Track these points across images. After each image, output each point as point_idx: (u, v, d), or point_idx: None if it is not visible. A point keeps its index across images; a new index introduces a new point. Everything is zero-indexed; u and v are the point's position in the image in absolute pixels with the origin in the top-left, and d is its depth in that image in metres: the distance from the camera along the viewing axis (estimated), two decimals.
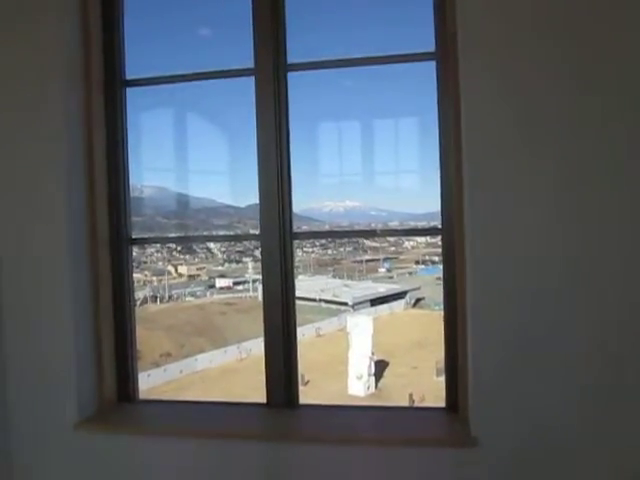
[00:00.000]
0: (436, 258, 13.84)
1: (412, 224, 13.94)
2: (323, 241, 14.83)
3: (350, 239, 15.45)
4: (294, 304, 2.11)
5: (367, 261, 15.35)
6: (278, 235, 2.06)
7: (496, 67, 1.76)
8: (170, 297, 14.78)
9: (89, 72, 2.11)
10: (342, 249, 15.57)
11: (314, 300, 13.59)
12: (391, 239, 15.11)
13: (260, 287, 2.18)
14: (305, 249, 14.99)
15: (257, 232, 2.10)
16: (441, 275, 1.98)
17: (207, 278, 15.36)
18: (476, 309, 1.80)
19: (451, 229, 1.92)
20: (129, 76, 2.20)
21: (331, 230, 11.84)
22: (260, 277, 2.17)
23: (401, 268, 15.60)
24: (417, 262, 15.11)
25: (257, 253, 14.16)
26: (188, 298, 14.93)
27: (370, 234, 3.88)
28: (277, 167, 2.07)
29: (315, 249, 15.08)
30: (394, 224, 12.72)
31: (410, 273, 15.35)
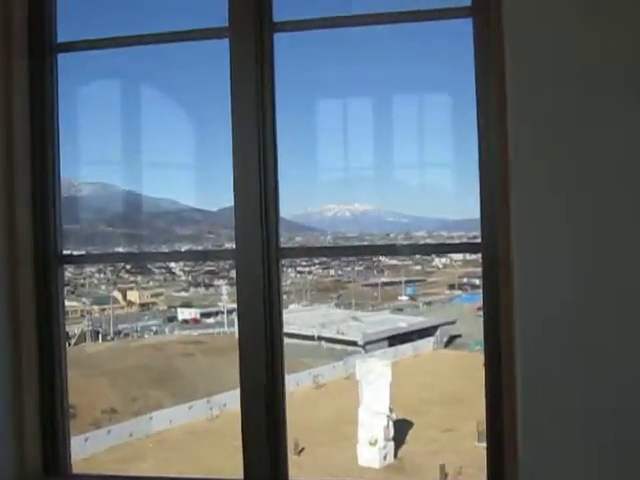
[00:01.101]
0: (477, 281, 13.87)
1: (444, 235, 13.89)
2: (324, 258, 14.86)
3: (360, 256, 15.46)
4: (282, 344, 2.11)
5: (384, 285, 15.32)
6: (260, 250, 2.07)
7: (555, 24, 1.78)
8: (116, 333, 14.74)
9: (7, 33, 2.12)
10: (349, 268, 15.56)
11: (311, 338, 13.55)
12: (416, 255, 15.12)
13: (237, 320, 2.17)
14: (299, 268, 15.01)
15: (233, 246, 2.10)
16: (482, 304, 1.97)
17: (166, 308, 15.36)
18: (528, 352, 1.80)
19: (494, 243, 1.92)
20: (61, 39, 2.22)
21: (334, 245, 11.89)
22: (236, 307, 2.17)
23: (430, 294, 15.56)
24: (452, 286, 15.08)
25: (233, 274, 14.00)
26: (144, 335, 14.90)
27: (387, 250, 3.85)
28: (259, 159, 2.08)
29: (313, 268, 15.07)
30: (420, 235, 12.86)
31: (442, 301, 15.34)
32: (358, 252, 3.61)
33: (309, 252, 4.34)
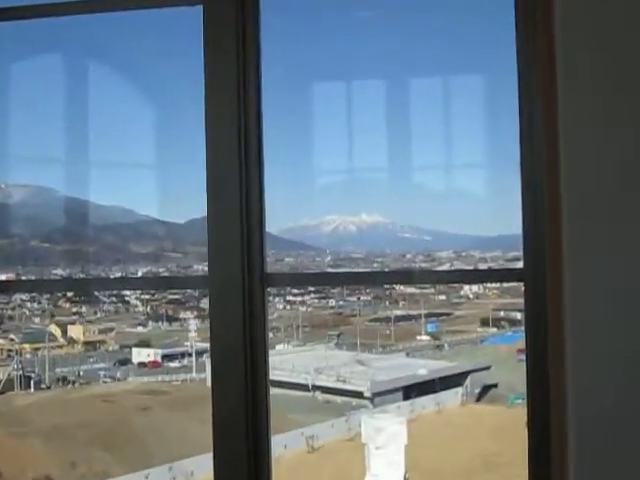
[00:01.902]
0: (518, 315, 13.84)
1: (476, 255, 13.90)
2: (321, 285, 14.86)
3: (368, 284, 15.48)
4: (268, 395, 2.12)
5: (398, 320, 15.27)
6: (240, 276, 2.08)
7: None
8: (54, 380, 14.67)
9: None
10: (354, 298, 15.49)
11: (304, 388, 13.50)
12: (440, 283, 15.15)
13: (209, 364, 2.18)
14: (289, 297, 14.96)
15: (204, 269, 2.11)
16: (524, 347, 1.99)
17: (118, 347, 15.32)
18: (584, 410, 1.80)
19: (540, 268, 1.93)
20: None
21: (334, 272, 11.84)
22: (209, 347, 2.17)
23: (457, 332, 15.51)
24: (485, 322, 15.03)
25: (204, 305, 14.21)
26: (89, 382, 14.82)
27: (403, 277, 3.81)
28: (240, 157, 2.10)
29: (307, 297, 15.02)
30: (445, 256, 12.81)
31: (473, 341, 15.29)
32: (365, 280, 3.57)
33: (302, 280, 4.31)
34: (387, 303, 15.32)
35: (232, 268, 2.07)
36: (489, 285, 13.96)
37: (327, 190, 13.73)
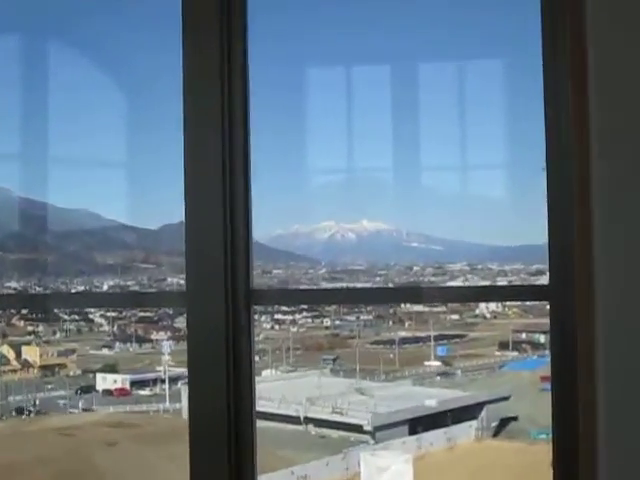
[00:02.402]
0: (542, 338, 13.82)
1: (493, 268, 13.88)
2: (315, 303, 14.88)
3: (370, 303, 15.50)
4: (254, 428, 2.14)
5: (404, 342, 15.24)
6: (223, 291, 2.09)
7: None
8: (5, 409, 14.61)
9: None
10: (352, 317, 15.45)
11: (295, 420, 13.45)
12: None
13: (185, 393, 2.16)
14: (278, 316, 14.90)
15: (181, 282, 2.17)
16: (549, 374, 2.01)
17: (80, 372, 15.27)
18: (617, 448, 1.80)
19: (568, 286, 1.95)
20: None
21: (329, 287, 11.78)
22: (186, 373, 2.18)
23: (472, 357, 15.48)
24: (504, 345, 15.02)
25: (180, 324, 14.15)
26: (47, 412, 14.72)
27: (409, 294, 3.81)
28: (223, 154, 2.12)
29: (298, 316, 14.99)
30: (458, 268, 12.76)
31: (490, 367, 15.27)
32: (366, 297, 3.53)
33: (293, 297, 4.27)
34: (391, 323, 15.29)
35: (213, 282, 2.07)
36: (509, 303, 13.95)
37: (322, 193, 13.64)
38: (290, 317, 14.61)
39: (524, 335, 14.85)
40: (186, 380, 2.17)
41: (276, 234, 13.12)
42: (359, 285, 12.81)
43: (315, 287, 12.32)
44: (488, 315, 15.13)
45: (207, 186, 2.12)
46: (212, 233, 2.11)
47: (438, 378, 15.05)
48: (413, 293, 4.93)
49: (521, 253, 11.22)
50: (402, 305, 14.24)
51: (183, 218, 2.13)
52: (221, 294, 2.10)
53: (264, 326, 13.94)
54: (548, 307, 2.00)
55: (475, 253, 12.61)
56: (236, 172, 2.13)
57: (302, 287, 12.20)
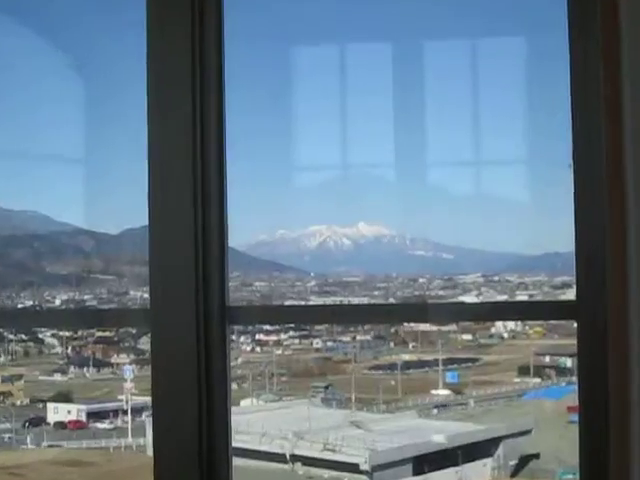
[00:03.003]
0: (569, 362, 13.84)
1: (513, 280, 13.93)
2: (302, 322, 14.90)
3: (367, 322, 15.53)
4: (230, 468, 2.16)
5: (407, 367, 15.23)
6: (194, 309, 2.10)
7: None
8: None
9: None
10: (347, 337, 15.44)
11: (280, 458, 13.41)
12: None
13: (150, 426, 2.17)
14: (259, 336, 14.89)
15: (145, 296, 2.10)
16: (577, 404, 2.03)
17: (28, 402, 15.22)
18: None
19: (598, 302, 1.96)
20: None
21: (319, 304, 11.71)
22: (149, 402, 2.21)
23: (486, 384, 15.48)
24: (524, 370, 15.02)
25: (145, 345, 14.02)
26: None
27: (413, 311, 3.80)
28: (194, 148, 2.13)
29: (283, 336, 14.96)
30: (470, 280, 12.74)
31: (508, 396, 15.27)
32: (363, 315, 3.51)
33: (277, 314, 4.23)
34: (392, 345, 15.31)
35: (181, 297, 2.07)
36: (530, 322, 13.97)
37: (312, 191, 13.61)
38: (274, 338, 14.60)
39: (548, 359, 14.89)
40: (151, 411, 2.16)
41: (257, 240, 13.12)
42: (355, 300, 12.83)
43: (303, 302, 12.32)
44: (506, 335, 15.17)
45: (175, 184, 2.12)
46: (180, 239, 2.10)
47: (447, 409, 15.07)
48: (418, 310, 4.92)
49: (544, 263, 11.25)
50: (405, 324, 14.27)
51: (147, 221, 2.13)
52: (191, 311, 2.09)
53: (243, 348, 13.94)
54: (576, 325, 2.00)
55: (491, 263, 12.65)
56: (209, 168, 2.13)
57: (288, 303, 12.22)
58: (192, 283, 2.12)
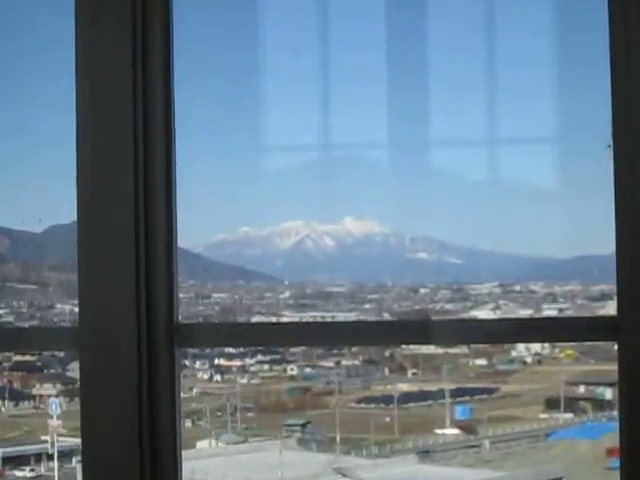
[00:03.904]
0: (607, 393, 13.86)
1: (537, 290, 14.03)
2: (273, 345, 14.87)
3: (354, 343, 15.53)
4: None
5: (405, 400, 15.24)
6: (135, 327, 2.09)
7: None
8: None
9: None
10: (331, 363, 15.42)
11: None
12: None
13: (80, 474, 2.17)
14: (220, 361, 14.86)
15: (74, 310, 2.13)
16: (618, 445, 2.01)
17: None
18: None
19: None
20: None
21: (294, 321, 11.62)
22: (80, 444, 2.19)
23: (505, 420, 15.50)
24: (552, 404, 15.05)
25: (74, 372, 13.92)
26: None
27: (413, 330, 3.80)
28: (134, 126, 2.14)
29: (251, 362, 14.95)
30: (486, 290, 12.73)
31: (531, 436, 15.30)
32: (350, 335, 3.47)
33: (240, 334, 4.18)
34: (387, 371, 15.37)
35: (119, 313, 2.07)
36: (560, 343, 13.99)
37: (285, 178, 13.55)
38: (238, 363, 14.59)
39: (582, 389, 14.97)
40: (80, 455, 2.16)
41: (217, 240, 13.03)
42: (340, 316, 12.83)
43: (275, 319, 12.33)
44: (529, 360, 15.24)
45: (110, 172, 2.11)
46: (117, 239, 2.10)
47: (456, 452, 15.11)
48: (420, 328, 4.87)
49: (577, 268, 11.23)
50: (404, 346, 14.24)
51: (75, 217, 2.12)
52: (130, 330, 2.09)
53: (199, 376, 13.94)
54: (616, 348, 2.00)
55: (510, 268, 12.65)
56: (154, 151, 2.13)
57: (255, 319, 12.22)
58: (132, 294, 2.11)
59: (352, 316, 12.63)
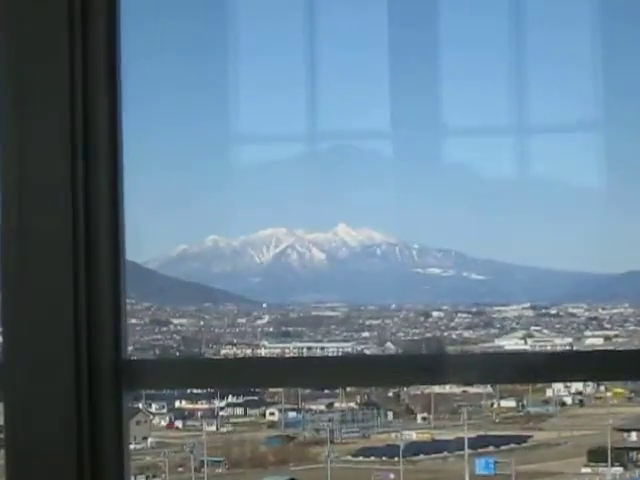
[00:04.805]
0: None
1: (579, 314, 14.09)
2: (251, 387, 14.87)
3: (348, 384, 15.51)
4: None
5: (414, 452, 15.20)
6: (71, 366, 2.11)
7: None
8: None
9: None
10: (321, 406, 15.37)
11: None
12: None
13: None
14: (181, 405, 14.79)
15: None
16: None
17: None
18: None
19: None
20: None
21: (275, 356, 11.48)
22: None
23: (539, 476, 15.46)
24: (597, 456, 15.05)
25: None
26: None
27: (424, 365, 3.84)
28: (72, 119, 2.15)
29: (219, 406, 14.90)
30: (513, 313, 12.70)
31: None
32: (344, 372, 3.49)
33: (206, 372, 4.18)
34: (391, 416, 15.38)
35: (53, 348, 2.08)
36: (607, 380, 13.94)
37: (262, 175, 13.43)
38: (204, 406, 14.54)
39: (634, 436, 14.98)
40: None
41: (177, 252, 12.87)
42: (332, 347, 12.80)
43: (250, 351, 12.28)
44: (569, 401, 15.26)
45: (42, 169, 2.13)
46: (50, 253, 2.11)
47: None
48: (431, 364, 4.79)
49: (628, 286, 11.21)
50: (412, 385, 14.20)
51: None
52: (67, 368, 2.10)
53: (156, 422, 13.88)
54: None
55: (544, 287, 12.63)
56: (97, 141, 2.14)
57: (225, 351, 12.17)
58: (69, 325, 2.12)
59: (347, 347, 12.58)
